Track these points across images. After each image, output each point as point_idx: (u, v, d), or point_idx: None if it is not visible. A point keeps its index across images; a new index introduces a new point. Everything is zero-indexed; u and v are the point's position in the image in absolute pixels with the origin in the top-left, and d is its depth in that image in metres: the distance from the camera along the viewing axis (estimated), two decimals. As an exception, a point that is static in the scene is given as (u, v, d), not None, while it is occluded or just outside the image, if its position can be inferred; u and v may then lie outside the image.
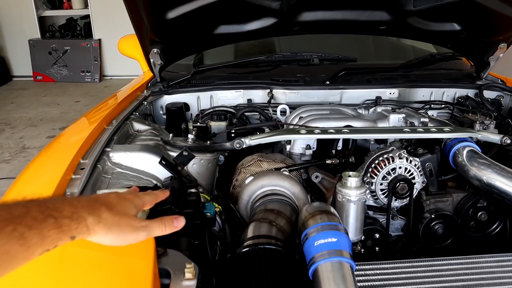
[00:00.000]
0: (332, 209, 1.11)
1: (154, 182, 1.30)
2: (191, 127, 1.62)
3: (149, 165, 1.32)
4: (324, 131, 1.39)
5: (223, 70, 2.08)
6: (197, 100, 1.94)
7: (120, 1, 1.50)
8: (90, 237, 0.70)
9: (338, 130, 1.40)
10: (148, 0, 1.58)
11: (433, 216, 1.35)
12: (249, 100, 1.91)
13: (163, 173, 1.31)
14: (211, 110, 1.83)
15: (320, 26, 1.85)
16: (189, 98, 1.93)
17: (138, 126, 1.62)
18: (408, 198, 1.35)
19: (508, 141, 1.44)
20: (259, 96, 1.91)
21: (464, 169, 1.36)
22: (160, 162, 1.27)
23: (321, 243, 0.97)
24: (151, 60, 1.91)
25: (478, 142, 1.47)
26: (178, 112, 1.86)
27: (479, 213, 1.41)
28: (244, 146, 1.39)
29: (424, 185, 1.39)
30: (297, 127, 1.53)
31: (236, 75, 2.05)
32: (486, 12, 1.77)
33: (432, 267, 1.08)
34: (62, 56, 6.97)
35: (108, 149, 1.33)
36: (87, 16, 7.04)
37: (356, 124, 1.56)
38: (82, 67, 7.00)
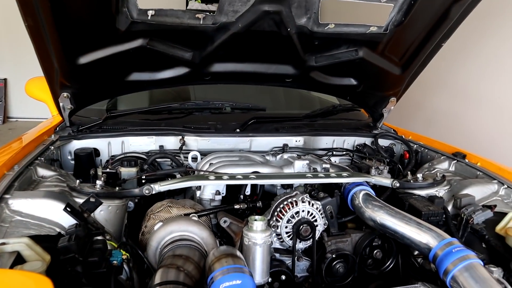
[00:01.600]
0: (238, 252, 1.15)
1: (58, 230, 1.25)
2: (100, 173, 1.59)
3: (52, 212, 1.28)
4: (232, 177, 1.45)
5: (136, 116, 2.09)
6: (108, 146, 1.91)
7: (29, 40, 1.48)
8: None
9: (245, 176, 1.47)
10: (59, 45, 1.58)
11: (334, 255, 1.45)
12: (161, 147, 1.93)
13: (67, 221, 1.27)
14: (122, 156, 1.82)
15: (231, 77, 1.96)
16: (100, 143, 1.90)
17: (42, 172, 1.55)
18: (311, 240, 1.43)
19: (398, 184, 1.61)
20: (171, 142, 1.94)
21: (360, 211, 1.49)
22: (65, 209, 1.23)
23: (226, 285, 1.00)
24: (61, 104, 1.87)
25: (373, 186, 1.62)
26: (88, 157, 1.82)
27: (375, 251, 1.53)
28: (153, 192, 1.40)
29: (325, 227, 1.49)
30: (207, 173, 1.58)
31: (149, 121, 2.06)
32: (377, 70, 2.00)
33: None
34: (-39, 95, 6.47)
35: (7, 196, 1.27)
36: (-8, 54, 6.66)
37: (264, 170, 1.64)
38: (-17, 108, 6.53)
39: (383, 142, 2.20)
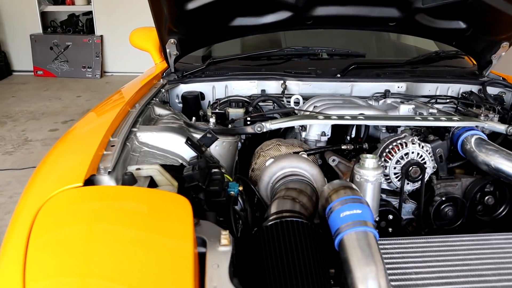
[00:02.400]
0: (354, 186, 1.18)
1: (180, 161, 1.36)
2: (209, 113, 1.69)
3: (174, 145, 1.39)
4: (340, 117, 1.47)
5: (237, 62, 2.15)
6: (212, 90, 2.00)
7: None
8: None
9: (353, 117, 1.48)
10: None
11: (443, 199, 1.43)
12: (263, 91, 1.98)
13: (188, 154, 1.38)
14: (227, 98, 1.89)
15: (333, 21, 1.93)
16: (205, 87, 1.99)
17: (159, 110, 1.68)
18: (419, 182, 1.42)
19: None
20: (272, 87, 1.98)
21: (473, 155, 1.44)
22: (186, 142, 1.34)
23: (346, 214, 1.04)
24: (167, 50, 1.97)
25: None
26: (194, 100, 1.92)
27: (487, 197, 1.49)
28: (264, 130, 1.46)
29: (434, 170, 1.46)
30: (315, 113, 1.60)
31: (250, 67, 2.11)
32: (491, 11, 1.85)
33: (446, 243, 1.16)
34: (64, 51, 7.01)
35: (134, 129, 1.39)
36: (89, 13, 7.09)
37: (369, 112, 1.63)
38: (83, 63, 7.04)
39: (491, 90, 2.07)
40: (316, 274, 0.98)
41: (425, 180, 1.43)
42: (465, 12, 1.91)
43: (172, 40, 1.92)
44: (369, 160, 1.26)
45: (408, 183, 1.43)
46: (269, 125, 1.45)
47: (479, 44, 2.11)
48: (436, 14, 1.92)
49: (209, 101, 1.96)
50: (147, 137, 1.39)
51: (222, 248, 0.91)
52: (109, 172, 1.08)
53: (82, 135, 1.44)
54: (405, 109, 1.68)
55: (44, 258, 0.85)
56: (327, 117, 1.47)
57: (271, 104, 1.85)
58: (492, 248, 1.13)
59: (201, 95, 1.98)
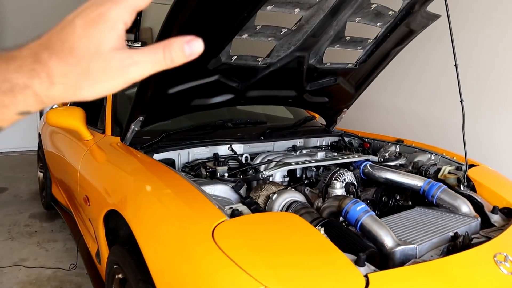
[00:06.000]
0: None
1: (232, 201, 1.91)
2: (204, 172, 2.25)
3: (224, 193, 1.93)
4: (302, 162, 2.28)
5: (182, 133, 2.72)
6: (178, 156, 2.51)
7: None
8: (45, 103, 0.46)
9: (309, 161, 2.32)
10: (157, 79, 2.18)
11: (368, 201, 2.38)
12: (216, 153, 2.60)
13: (233, 197, 1.95)
14: (200, 161, 2.45)
15: (256, 100, 2.76)
16: (173, 155, 2.49)
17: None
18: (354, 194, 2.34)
19: (382, 159, 2.63)
20: (222, 150, 2.63)
21: (371, 175, 2.45)
22: (232, 188, 1.92)
23: (359, 208, 1.84)
24: (132, 126, 2.42)
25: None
26: (172, 166, 2.40)
27: (384, 197, 2.51)
28: (264, 176, 2.15)
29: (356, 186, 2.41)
30: (283, 162, 2.36)
31: (199, 136, 2.70)
32: (342, 90, 3.02)
33: (398, 218, 2.08)
34: None
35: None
36: None
37: (306, 159, 2.49)
38: None
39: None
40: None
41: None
42: (329, 91, 3.03)
43: (140, 118, 2.39)
44: (338, 184, 2.12)
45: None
46: (267, 172, 2.15)
47: (331, 110, 3.27)
48: (314, 93, 2.97)
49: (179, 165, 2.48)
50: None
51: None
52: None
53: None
54: (321, 155, 2.62)
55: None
56: (296, 163, 2.27)
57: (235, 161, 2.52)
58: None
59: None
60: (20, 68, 0.44)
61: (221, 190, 1.94)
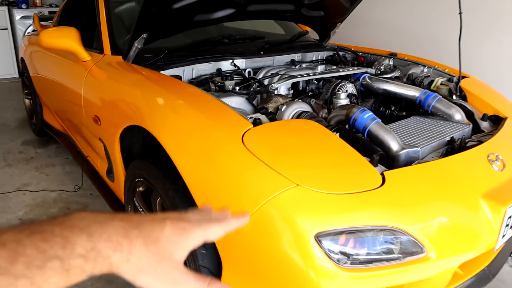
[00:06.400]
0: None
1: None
2: (213, 86, 2.31)
3: (240, 104, 2.02)
4: (308, 75, 2.37)
5: (185, 50, 2.72)
6: (183, 73, 2.54)
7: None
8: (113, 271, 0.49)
9: (314, 74, 2.40)
10: None
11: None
12: (219, 69, 2.65)
13: (248, 109, 2.04)
14: (205, 77, 2.50)
15: (257, 15, 2.75)
16: (178, 71, 2.51)
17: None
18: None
19: (379, 72, 2.74)
20: (225, 66, 2.67)
21: (370, 86, 2.57)
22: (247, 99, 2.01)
23: (367, 115, 1.98)
24: (135, 44, 2.41)
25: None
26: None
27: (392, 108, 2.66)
28: (276, 86, 2.23)
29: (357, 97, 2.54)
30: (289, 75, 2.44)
31: (200, 52, 2.72)
32: (338, 4, 3.03)
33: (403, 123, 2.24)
34: None
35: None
36: None
37: (311, 71, 2.57)
38: None
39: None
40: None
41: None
42: (325, 5, 3.04)
43: (144, 35, 2.38)
44: (343, 94, 2.23)
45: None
46: (276, 85, 2.23)
47: (325, 25, 3.30)
48: (311, 8, 2.98)
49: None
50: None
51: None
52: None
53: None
54: (321, 68, 2.70)
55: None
56: (301, 75, 2.35)
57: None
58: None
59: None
60: (110, 238, 0.48)
61: (238, 102, 2.02)
